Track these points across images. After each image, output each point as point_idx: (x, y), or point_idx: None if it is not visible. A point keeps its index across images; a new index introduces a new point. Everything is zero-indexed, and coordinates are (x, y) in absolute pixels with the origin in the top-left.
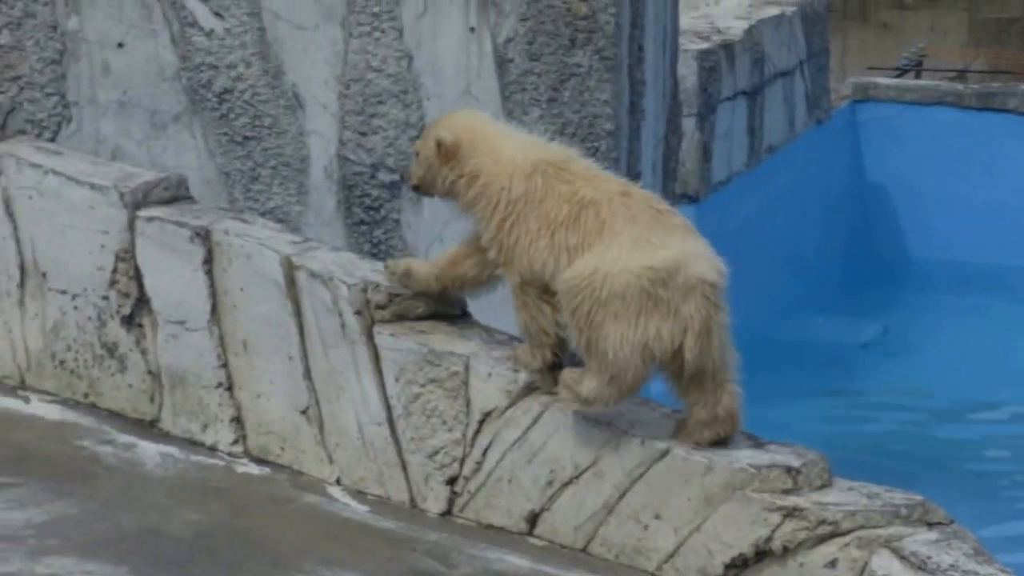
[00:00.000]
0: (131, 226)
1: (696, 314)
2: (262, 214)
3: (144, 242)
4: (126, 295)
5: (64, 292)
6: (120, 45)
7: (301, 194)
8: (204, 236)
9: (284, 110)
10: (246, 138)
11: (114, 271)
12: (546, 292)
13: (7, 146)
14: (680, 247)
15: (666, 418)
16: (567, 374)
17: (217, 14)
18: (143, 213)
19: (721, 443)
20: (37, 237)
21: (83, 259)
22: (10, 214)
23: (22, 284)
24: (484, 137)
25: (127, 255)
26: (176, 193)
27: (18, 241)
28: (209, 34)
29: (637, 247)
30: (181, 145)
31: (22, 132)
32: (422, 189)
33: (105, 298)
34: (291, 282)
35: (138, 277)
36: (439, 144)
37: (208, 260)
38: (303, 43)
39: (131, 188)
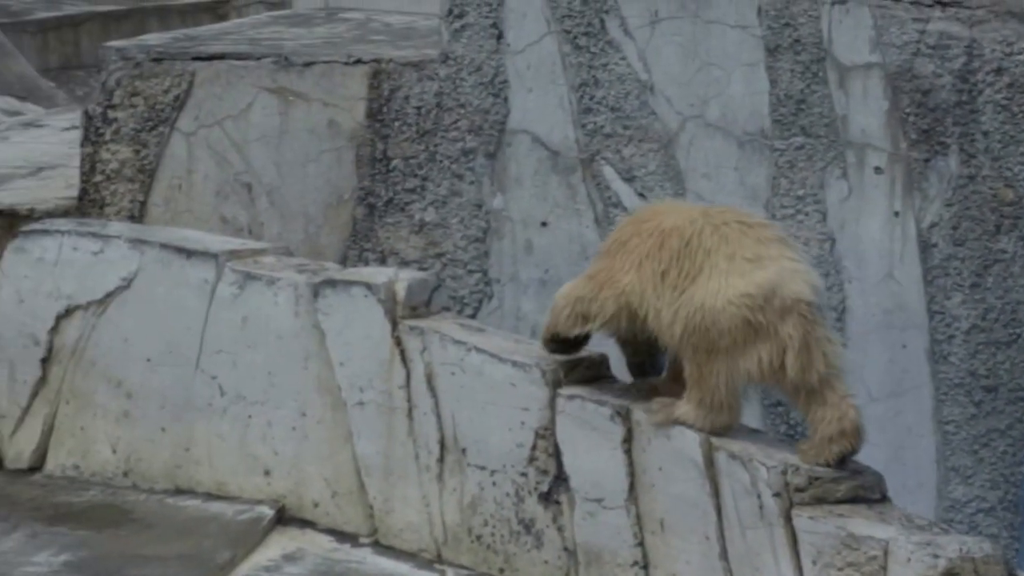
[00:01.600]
0: (552, 404)
1: (794, 332)
2: None
3: (564, 420)
4: (544, 472)
5: (483, 468)
6: (543, 224)
7: None
8: (624, 415)
9: None
10: None
11: (533, 448)
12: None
13: (431, 322)
14: (775, 265)
15: None
16: (660, 401)
17: (641, 195)
18: (564, 391)
19: (846, 457)
20: (458, 413)
21: (503, 435)
22: (432, 389)
23: (442, 459)
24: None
25: (547, 432)
26: (597, 372)
27: (439, 416)
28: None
29: (732, 268)
30: None
31: (446, 308)
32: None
33: (523, 474)
34: (710, 462)
35: (557, 454)
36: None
37: (627, 439)
38: None
39: (552, 367)
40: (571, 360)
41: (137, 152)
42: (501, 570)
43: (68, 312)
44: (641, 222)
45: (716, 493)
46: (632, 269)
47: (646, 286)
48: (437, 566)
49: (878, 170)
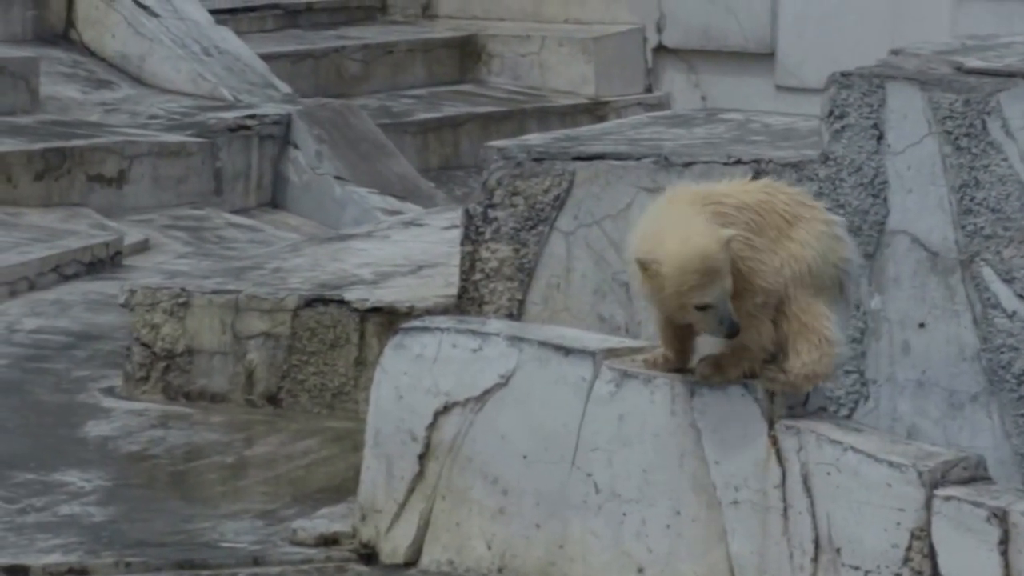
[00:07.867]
0: (928, 505)
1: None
2: None
3: (940, 521)
4: (919, 573)
5: (857, 568)
6: (921, 325)
7: None
8: (1001, 517)
9: None
10: None
11: (908, 549)
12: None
13: (808, 422)
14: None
15: None
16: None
17: (1020, 296)
18: (940, 492)
19: None
20: (833, 513)
21: (878, 536)
22: (807, 489)
23: (816, 559)
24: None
25: (922, 533)
26: (974, 473)
27: (814, 516)
28: (1011, 316)
29: (820, 240)
30: (977, 425)
31: (823, 408)
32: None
33: (898, 575)
34: None
35: (932, 556)
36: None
37: (1004, 540)
38: None
39: (930, 467)
40: (948, 461)
41: (517, 251)
42: None
43: (446, 408)
44: (718, 200)
45: None
46: (767, 243)
47: (772, 253)
48: None
49: None
